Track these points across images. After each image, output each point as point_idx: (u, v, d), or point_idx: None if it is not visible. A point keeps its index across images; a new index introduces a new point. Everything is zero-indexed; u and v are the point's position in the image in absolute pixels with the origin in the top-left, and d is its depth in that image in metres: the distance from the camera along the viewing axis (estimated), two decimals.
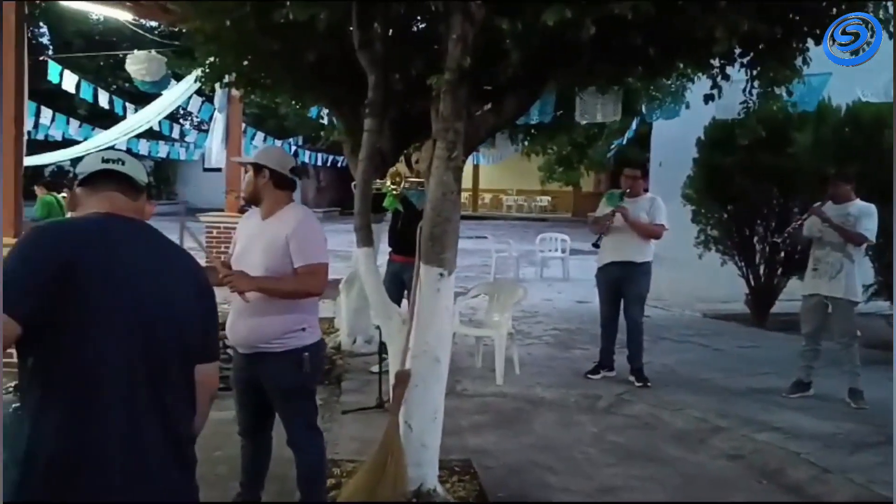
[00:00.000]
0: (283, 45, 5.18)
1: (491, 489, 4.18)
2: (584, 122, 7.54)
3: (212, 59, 6.41)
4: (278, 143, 18.80)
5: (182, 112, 18.40)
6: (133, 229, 1.87)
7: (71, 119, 14.88)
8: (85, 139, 14.73)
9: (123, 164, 1.95)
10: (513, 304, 6.65)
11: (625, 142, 12.20)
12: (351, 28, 4.28)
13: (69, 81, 12.04)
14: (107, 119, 16.04)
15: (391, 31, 4.42)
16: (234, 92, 11.37)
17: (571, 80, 4.44)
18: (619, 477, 4.51)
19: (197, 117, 21.96)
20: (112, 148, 15.33)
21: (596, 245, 6.39)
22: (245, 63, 5.98)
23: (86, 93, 12.70)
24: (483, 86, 4.04)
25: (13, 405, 2.21)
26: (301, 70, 5.61)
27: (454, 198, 3.86)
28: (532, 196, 31.34)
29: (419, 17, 4.94)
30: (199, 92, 12.17)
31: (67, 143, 15.61)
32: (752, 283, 9.22)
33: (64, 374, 1.68)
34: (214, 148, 11.40)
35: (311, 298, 3.32)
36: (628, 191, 6.31)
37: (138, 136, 14.82)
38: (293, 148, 20.81)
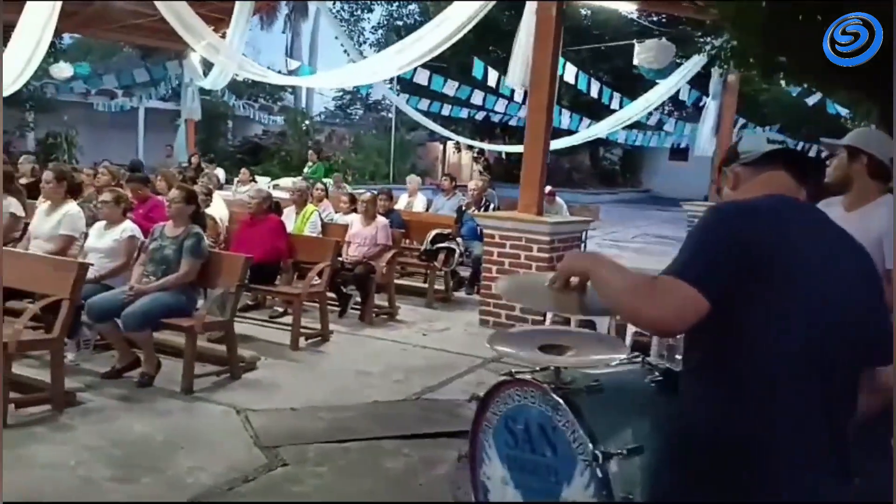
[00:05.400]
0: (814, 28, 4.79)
1: None
2: None
3: (734, 42, 6.24)
4: (759, 130, 17.84)
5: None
6: (803, 212, 1.77)
7: (562, 110, 16.15)
8: (573, 129, 15.82)
9: (785, 144, 1.88)
10: None
11: None
12: None
13: (569, 73, 13.04)
14: (584, 109, 17.08)
15: None
16: (731, 79, 11.10)
17: None
18: None
19: (669, 105, 22.16)
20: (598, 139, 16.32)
21: None
22: (768, 47, 5.70)
23: (582, 83, 13.61)
24: None
25: (648, 377, 2.34)
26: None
27: None
28: None
29: None
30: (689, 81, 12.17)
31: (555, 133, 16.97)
32: None
33: (735, 356, 1.66)
34: (704, 135, 11.23)
35: None
36: None
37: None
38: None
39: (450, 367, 5.76)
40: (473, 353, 6.10)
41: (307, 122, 27.78)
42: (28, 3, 8.21)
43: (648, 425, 2.02)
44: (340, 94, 34.52)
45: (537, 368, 2.29)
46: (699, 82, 12.82)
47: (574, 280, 1.91)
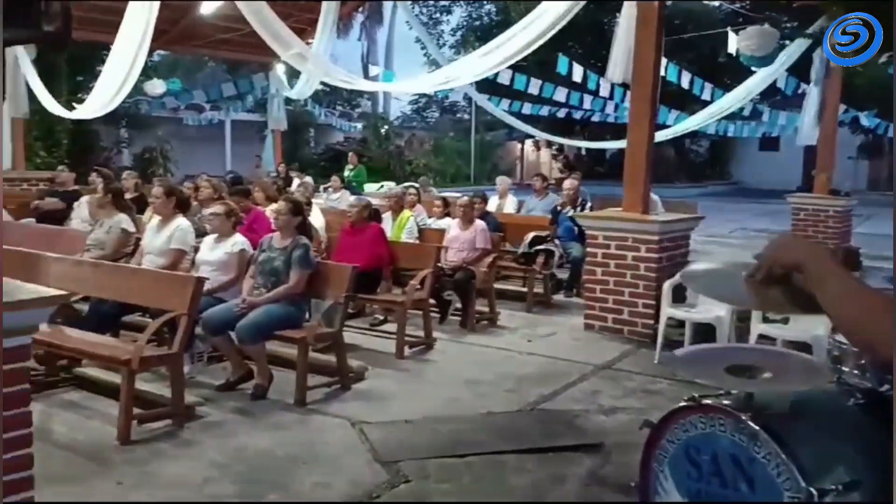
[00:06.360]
0: None
1: None
2: None
3: None
4: (861, 113, 16.96)
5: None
6: None
7: None
8: (661, 122, 15.30)
9: None
10: None
11: None
12: None
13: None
14: (669, 100, 16.51)
15: None
16: (833, 64, 10.48)
17: None
18: None
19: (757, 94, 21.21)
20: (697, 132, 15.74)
21: None
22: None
23: (672, 75, 13.17)
24: None
25: (850, 399, 2.09)
26: None
27: None
28: None
29: None
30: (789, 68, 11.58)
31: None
32: None
33: None
34: (807, 124, 10.63)
35: None
36: None
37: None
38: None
39: (561, 374, 5.56)
40: (583, 360, 5.89)
41: (386, 126, 27.99)
42: (123, 22, 8.42)
43: (861, 454, 1.78)
44: (416, 97, 34.67)
45: (721, 391, 2.07)
46: (796, 68, 12.22)
47: (778, 271, 1.55)
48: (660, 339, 6.04)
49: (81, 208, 8.09)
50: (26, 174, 12.51)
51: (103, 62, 9.03)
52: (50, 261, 5.23)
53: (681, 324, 6.20)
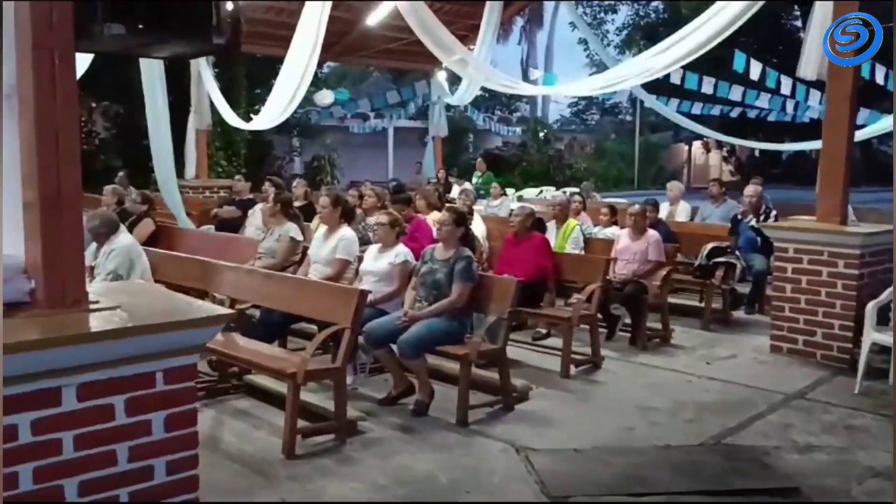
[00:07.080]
0: None
1: None
2: None
3: None
4: None
5: None
6: None
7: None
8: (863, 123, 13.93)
9: None
10: None
11: None
12: None
13: None
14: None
15: None
16: None
17: None
18: None
19: None
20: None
21: None
22: None
23: (864, 69, 11.93)
24: None
25: None
26: None
27: None
28: None
29: None
30: None
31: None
32: None
33: None
34: None
35: None
36: None
37: None
38: None
39: (746, 404, 5.01)
40: (772, 388, 5.30)
41: (545, 130, 27.63)
42: (295, 36, 8.70)
43: None
44: (576, 100, 34.04)
45: None
46: None
47: None
48: (861, 367, 5.32)
49: (255, 216, 8.40)
50: (208, 182, 13.38)
51: (278, 75, 9.36)
52: (224, 269, 5.39)
53: (884, 349, 5.45)
